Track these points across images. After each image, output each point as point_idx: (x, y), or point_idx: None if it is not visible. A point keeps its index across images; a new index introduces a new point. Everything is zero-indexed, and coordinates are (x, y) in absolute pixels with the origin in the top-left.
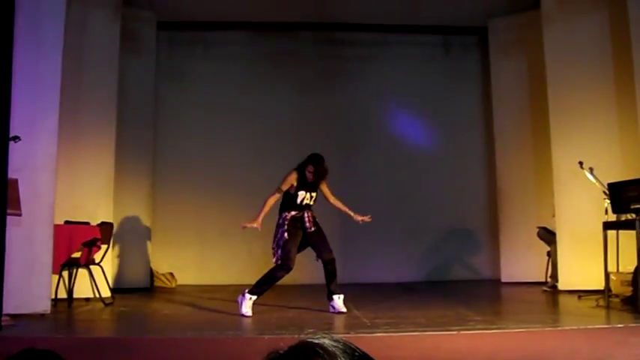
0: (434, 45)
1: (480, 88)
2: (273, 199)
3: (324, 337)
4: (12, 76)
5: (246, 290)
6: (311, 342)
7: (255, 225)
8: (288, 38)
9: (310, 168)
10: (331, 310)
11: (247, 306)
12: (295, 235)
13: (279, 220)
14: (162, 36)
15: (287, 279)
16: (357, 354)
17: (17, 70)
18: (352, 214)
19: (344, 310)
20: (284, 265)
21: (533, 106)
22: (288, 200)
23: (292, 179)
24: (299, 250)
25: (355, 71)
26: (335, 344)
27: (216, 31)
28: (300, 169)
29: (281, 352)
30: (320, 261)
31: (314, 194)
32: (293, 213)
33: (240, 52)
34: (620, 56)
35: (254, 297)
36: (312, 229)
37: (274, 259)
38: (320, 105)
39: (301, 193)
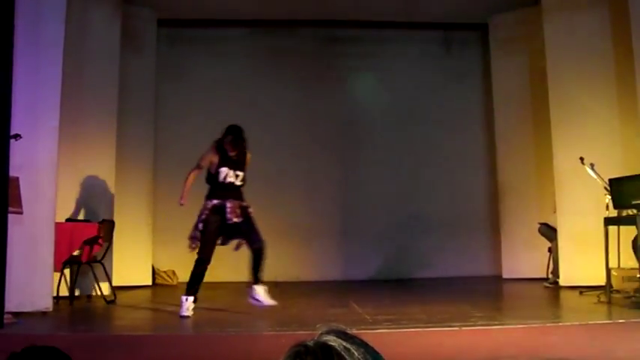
0: (434, 41)
1: (481, 85)
2: (192, 176)
3: (347, 337)
4: (13, 75)
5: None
6: (338, 340)
7: (181, 202)
8: (288, 35)
9: (228, 139)
10: (253, 302)
11: (186, 308)
12: (214, 226)
13: (201, 208)
14: (163, 33)
15: (288, 276)
16: None
17: (18, 68)
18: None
19: (271, 302)
20: (199, 259)
21: (534, 102)
22: (212, 183)
23: (211, 155)
24: (225, 241)
25: (355, 68)
26: (357, 345)
27: (217, 28)
28: (219, 144)
29: (308, 346)
30: (249, 249)
31: (240, 173)
32: (215, 202)
33: (241, 49)
34: (621, 52)
35: (190, 297)
36: (236, 220)
37: (190, 248)
38: (320, 102)
39: (223, 170)
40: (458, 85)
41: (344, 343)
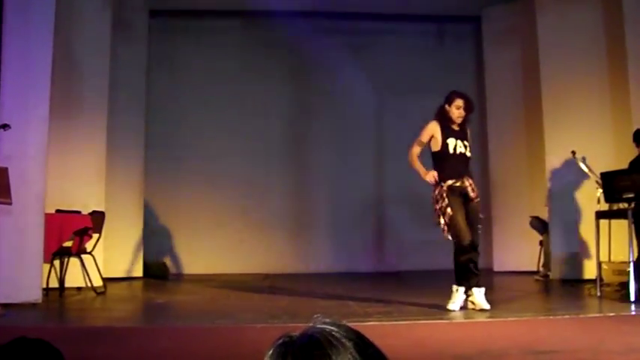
0: (427, 34)
1: (474, 77)
2: (415, 151)
3: (337, 327)
4: (2, 65)
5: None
6: (324, 330)
7: (431, 179)
8: (281, 26)
9: (457, 101)
10: (470, 305)
11: (454, 299)
12: (459, 205)
13: (434, 194)
14: (154, 24)
15: (281, 268)
16: (370, 351)
17: (7, 58)
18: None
19: (486, 306)
20: (459, 246)
21: (527, 94)
22: (439, 162)
23: (432, 129)
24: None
25: (348, 60)
26: (346, 334)
27: (209, 19)
28: (440, 117)
29: (294, 337)
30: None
31: (467, 143)
32: (450, 182)
33: (233, 40)
34: (614, 45)
35: (460, 288)
36: (477, 199)
37: (448, 237)
38: (312, 93)
39: (451, 141)
40: (451, 78)
41: (332, 334)
